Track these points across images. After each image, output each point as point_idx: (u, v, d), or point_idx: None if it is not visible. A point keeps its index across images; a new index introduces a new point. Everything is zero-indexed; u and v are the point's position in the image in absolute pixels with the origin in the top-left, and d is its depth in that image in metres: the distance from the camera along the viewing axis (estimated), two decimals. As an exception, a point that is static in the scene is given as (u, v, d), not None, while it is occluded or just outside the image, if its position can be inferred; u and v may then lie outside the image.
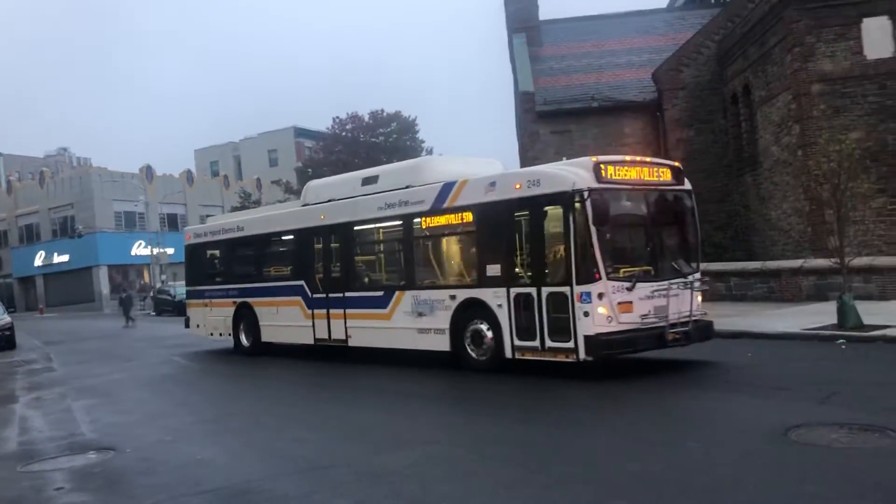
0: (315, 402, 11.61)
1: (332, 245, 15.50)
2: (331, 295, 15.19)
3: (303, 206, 16.82)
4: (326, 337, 15.29)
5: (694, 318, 11.43)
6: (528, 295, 11.34)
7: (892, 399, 8.52)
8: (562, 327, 10.83)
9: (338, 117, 54.98)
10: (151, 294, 49.23)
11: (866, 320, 13.53)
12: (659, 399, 9.74)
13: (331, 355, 15.43)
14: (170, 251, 53.62)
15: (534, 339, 11.25)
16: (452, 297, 12.67)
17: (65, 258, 61.92)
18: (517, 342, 11.53)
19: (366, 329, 14.40)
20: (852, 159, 13.92)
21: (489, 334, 12.04)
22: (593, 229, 10.48)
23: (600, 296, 10.49)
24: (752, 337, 14.16)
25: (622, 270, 10.94)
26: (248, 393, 13.12)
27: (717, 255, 23.11)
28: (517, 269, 11.74)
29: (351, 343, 14.75)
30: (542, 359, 11.23)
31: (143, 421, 10.64)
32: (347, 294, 14.83)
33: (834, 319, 13.82)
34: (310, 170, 54.23)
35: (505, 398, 10.57)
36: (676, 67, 27.85)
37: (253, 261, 17.96)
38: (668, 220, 11.96)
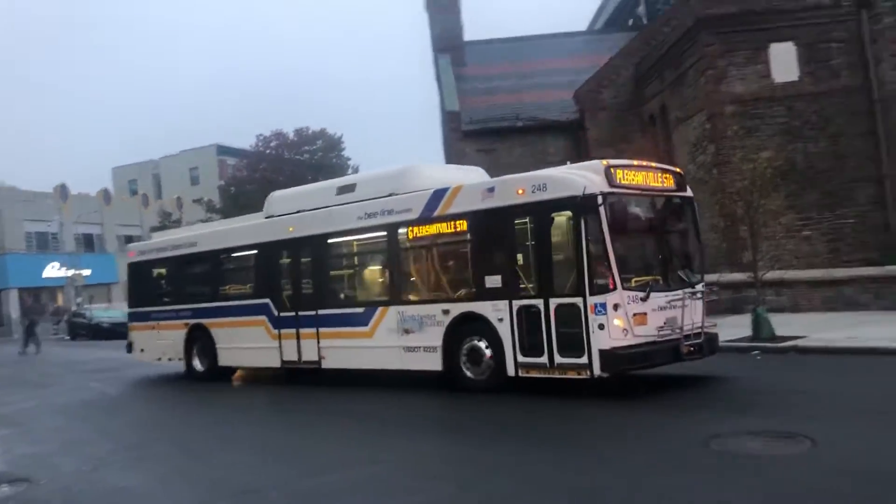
0: (252, 426, 11.22)
1: (303, 259, 14.38)
2: (301, 313, 14.06)
3: (266, 218, 15.52)
4: (296, 359, 14.11)
5: (705, 330, 10.97)
6: (534, 307, 10.58)
7: (804, 407, 8.90)
8: (573, 342, 10.10)
9: (262, 135, 54.33)
10: (66, 317, 47.37)
11: (779, 331, 14.14)
12: (575, 411, 9.91)
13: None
14: (86, 273, 51.73)
15: (540, 355, 10.48)
16: (445, 312, 11.72)
17: (-29, 282, 58.98)
18: (521, 359, 10.73)
19: (343, 349, 13.31)
20: (764, 177, 14.57)
21: (488, 351, 11.21)
22: (607, 236, 9.87)
23: (616, 307, 9.85)
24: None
25: (633, 280, 10.40)
26: (175, 418, 12.73)
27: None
28: (520, 281, 10.96)
29: (325, 365, 13.63)
30: (550, 376, 10.49)
31: (60, 450, 10.19)
32: (321, 312, 13.71)
33: (749, 331, 14.38)
34: (233, 188, 53.43)
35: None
36: (597, 89, 28.67)
37: (208, 279, 16.69)
38: (675, 227, 11.57)
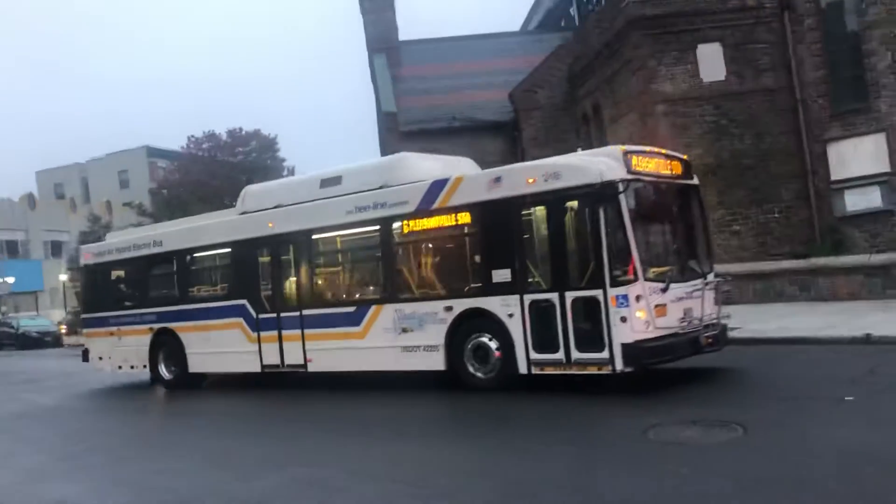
0: (196, 431, 10.94)
1: (284, 257, 13.65)
2: (283, 314, 13.34)
3: (240, 214, 14.67)
4: (278, 363, 13.37)
5: (720, 321, 10.80)
6: (548, 302, 10.12)
7: (737, 395, 9.23)
8: (593, 336, 9.69)
9: (193, 136, 53.12)
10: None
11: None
12: (513, 401, 10.03)
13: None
14: (10, 280, 49.86)
15: (555, 350, 10.03)
16: (448, 309, 11.15)
17: None
18: (535, 356, 10.26)
19: (332, 351, 12.58)
20: (696, 174, 14.95)
21: (496, 349, 10.72)
22: (629, 225, 9.50)
23: (638, 298, 9.47)
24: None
25: (651, 271, 9.96)
26: (115, 427, 12.36)
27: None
28: (532, 274, 10.50)
29: (312, 368, 12.91)
30: (566, 373, 10.06)
31: (-11, 464, 9.85)
32: (306, 312, 13.00)
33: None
34: (165, 191, 52.16)
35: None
36: (531, 89, 29.02)
37: (175, 280, 15.77)
38: (687, 216, 11.26)
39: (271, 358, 13.46)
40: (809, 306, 17.04)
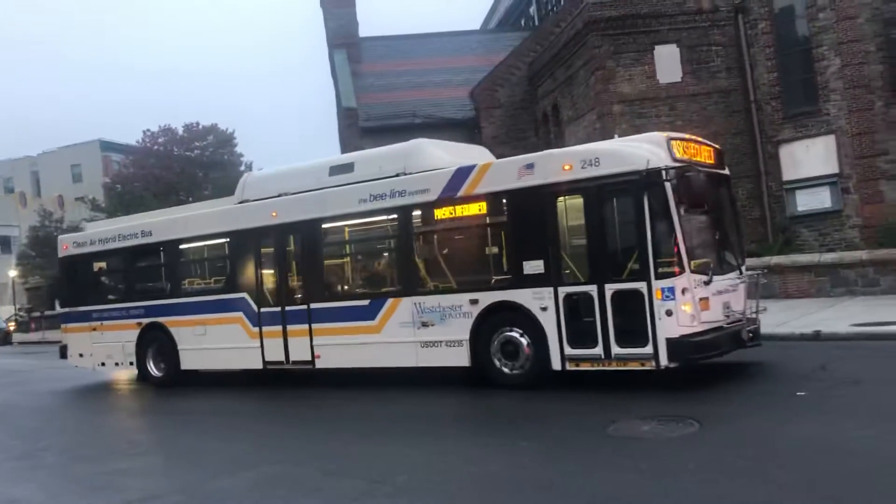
0: (167, 430, 10.74)
1: (289, 248, 12.98)
2: (289, 308, 12.69)
3: (239, 203, 13.94)
4: (282, 359, 12.73)
5: (758, 316, 10.53)
6: (585, 294, 9.70)
7: (692, 391, 9.40)
8: (635, 330, 9.32)
9: (149, 130, 52.32)
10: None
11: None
12: (475, 397, 10.16)
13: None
14: (-44, 276, 48.50)
15: (593, 345, 9.64)
16: (473, 302, 10.68)
17: None
18: (570, 351, 9.87)
19: (343, 346, 11.98)
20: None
21: (526, 344, 10.31)
22: (675, 215, 9.16)
23: (684, 291, 9.11)
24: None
25: (692, 263, 9.51)
26: (78, 426, 12.06)
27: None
28: (567, 266, 10.07)
29: (320, 365, 12.30)
30: (605, 369, 9.68)
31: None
32: (314, 306, 12.35)
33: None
34: (119, 186, 51.25)
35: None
36: (491, 87, 29.17)
37: (167, 272, 15.07)
38: (722, 206, 10.85)
39: (275, 354, 12.85)
40: (764, 303, 17.41)
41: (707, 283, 9.48)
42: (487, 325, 10.61)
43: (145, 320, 14.86)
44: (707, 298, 9.47)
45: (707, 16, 22.93)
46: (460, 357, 10.85)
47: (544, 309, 10.03)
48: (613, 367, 9.59)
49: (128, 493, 7.22)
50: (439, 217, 11.27)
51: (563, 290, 9.92)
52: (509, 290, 10.43)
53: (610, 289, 9.52)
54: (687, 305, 9.14)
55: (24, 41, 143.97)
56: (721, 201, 10.75)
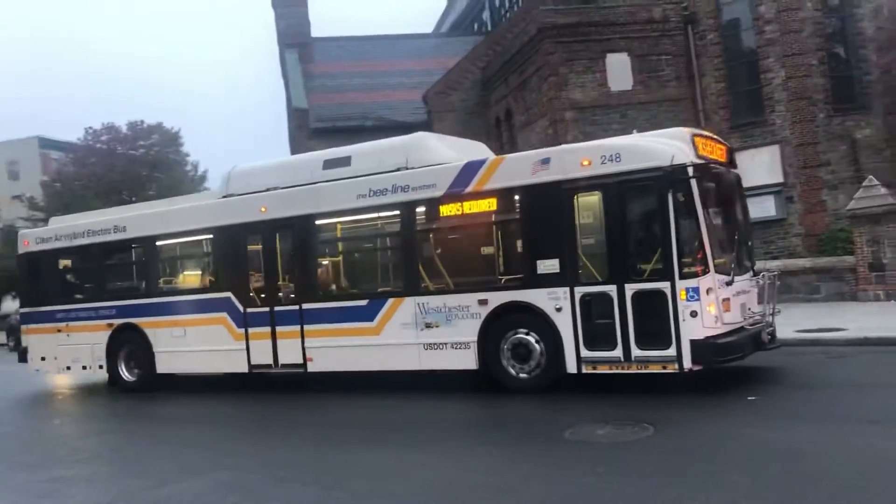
0: (122, 437, 10.32)
1: (281, 245, 12.32)
2: (278, 308, 12.08)
3: (224, 197, 13.14)
4: (270, 362, 12.09)
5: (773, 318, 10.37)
6: (604, 295, 9.37)
7: (645, 396, 9.48)
8: (657, 332, 9.03)
9: (91, 128, 50.88)
10: None
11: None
12: (433, 403, 10.06)
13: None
14: None
15: (612, 347, 9.34)
16: (482, 303, 10.26)
17: None
18: (586, 353, 9.54)
19: (338, 349, 11.45)
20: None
21: (539, 346, 9.95)
22: (700, 213, 8.92)
23: (708, 291, 8.87)
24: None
25: (715, 263, 9.26)
26: (9, 432, 11.55)
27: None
28: (584, 265, 9.74)
29: (312, 368, 11.72)
30: (624, 372, 9.36)
31: None
32: (306, 306, 11.76)
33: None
34: (58, 184, 49.78)
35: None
36: (445, 91, 29.18)
37: (142, 270, 14.27)
38: (739, 206, 10.58)
39: (262, 357, 12.21)
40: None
41: (729, 283, 9.31)
42: (497, 326, 10.23)
43: (117, 321, 14.01)
44: (728, 299, 9.30)
45: (658, 25, 23.32)
46: (467, 360, 10.43)
47: (559, 310, 9.70)
48: (633, 371, 9.30)
49: (70, 501, 6.95)
50: (446, 213, 10.78)
51: (580, 290, 9.59)
52: (521, 289, 10.08)
53: (630, 289, 9.22)
54: (711, 306, 8.92)
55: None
56: (737, 200, 10.52)
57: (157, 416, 11.97)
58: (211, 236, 13.23)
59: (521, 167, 10.17)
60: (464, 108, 28.92)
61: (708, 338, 8.87)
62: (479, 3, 41.41)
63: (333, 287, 12.20)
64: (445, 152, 11.41)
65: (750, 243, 10.94)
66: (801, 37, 21.78)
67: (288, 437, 9.12)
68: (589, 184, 9.62)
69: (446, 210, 10.74)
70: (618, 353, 9.33)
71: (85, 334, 14.37)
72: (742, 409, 8.40)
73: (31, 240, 15.86)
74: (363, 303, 11.38)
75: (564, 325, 9.66)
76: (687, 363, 8.89)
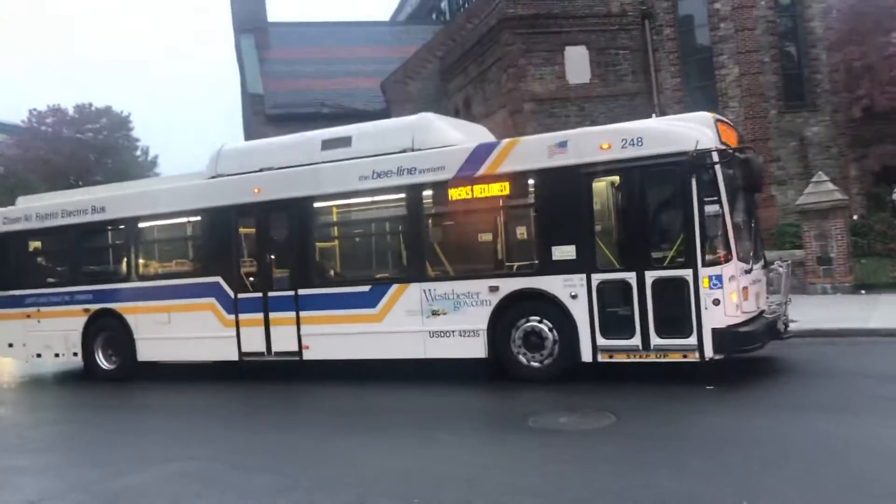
0: (84, 427, 9.98)
1: (274, 228, 11.87)
2: (272, 294, 11.62)
3: (212, 178, 12.58)
4: (262, 350, 11.63)
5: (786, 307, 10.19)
6: (623, 282, 9.19)
7: (606, 385, 9.59)
8: (678, 320, 8.89)
9: (36, 110, 49.42)
10: None
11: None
12: (393, 393, 10.03)
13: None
14: None
15: (630, 335, 9.15)
16: (493, 289, 9.97)
17: None
18: (603, 342, 9.36)
19: (336, 336, 11.04)
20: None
21: (552, 334, 9.73)
22: (724, 199, 8.79)
23: (731, 279, 8.75)
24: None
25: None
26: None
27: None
28: (602, 251, 9.51)
29: (308, 356, 11.32)
30: (642, 361, 9.20)
31: None
32: (302, 291, 11.35)
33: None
34: (1, 168, 48.30)
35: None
36: (403, 80, 29.03)
37: (122, 253, 13.51)
38: (754, 194, 10.46)
39: (253, 345, 11.73)
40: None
41: (748, 271, 9.25)
42: (508, 313, 9.97)
43: (94, 306, 13.34)
44: (747, 288, 9.21)
45: (616, 19, 23.54)
46: (476, 348, 10.16)
47: (574, 297, 9.48)
48: (651, 359, 9.14)
49: (24, 492, 6.71)
50: (455, 197, 10.40)
51: (598, 277, 9.39)
52: (535, 276, 9.84)
53: (651, 276, 9.03)
54: (733, 294, 8.82)
55: None
56: (754, 188, 10.36)
57: (123, 405, 11.64)
58: (199, 218, 12.64)
59: (537, 150, 9.90)
60: (422, 98, 28.79)
61: (729, 326, 8.79)
62: (438, -8, 41.30)
63: (332, 272, 11.85)
64: (452, 134, 11.12)
65: (759, 229, 10.77)
66: (754, 34, 22.24)
67: (255, 426, 9.01)
68: (608, 168, 9.43)
69: (456, 193, 10.40)
70: (636, 341, 9.16)
71: (58, 320, 13.71)
72: (701, 398, 8.57)
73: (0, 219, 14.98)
74: (365, 288, 10.99)
75: (580, 312, 9.47)
76: (708, 352, 8.77)
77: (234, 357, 11.94)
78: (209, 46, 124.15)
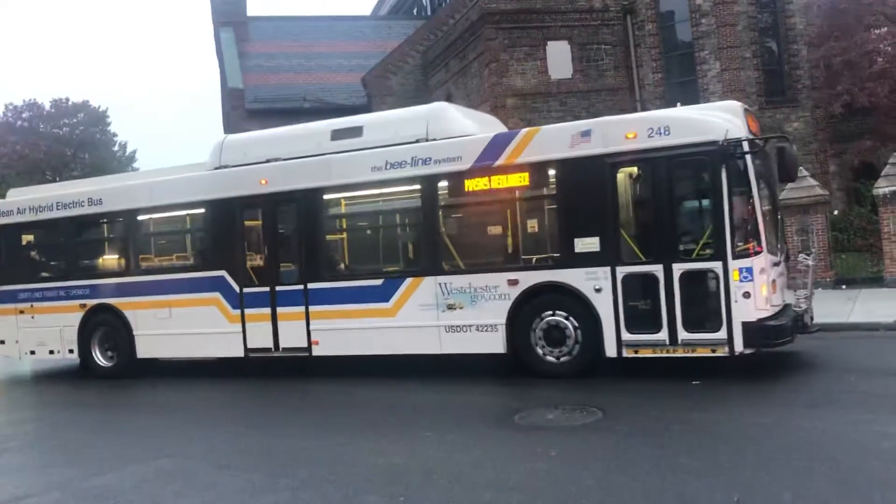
0: (66, 425, 9.81)
1: (282, 221, 11.64)
2: (280, 288, 11.32)
3: (216, 169, 12.23)
4: (270, 346, 11.33)
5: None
6: (649, 275, 8.94)
7: (591, 382, 9.49)
8: (708, 314, 8.70)
9: (12, 104, 48.90)
10: None
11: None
12: (385, 391, 9.92)
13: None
14: None
15: (656, 330, 8.92)
16: (513, 283, 9.72)
17: None
18: (628, 336, 9.11)
19: (348, 331, 10.76)
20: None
21: (574, 329, 9.50)
22: (755, 190, 8.58)
23: (762, 271, 8.53)
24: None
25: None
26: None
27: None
28: (627, 243, 9.27)
29: (318, 352, 11.02)
30: (669, 356, 8.95)
31: None
32: (312, 286, 11.07)
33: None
34: (-24, 162, 47.64)
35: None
36: (384, 74, 28.83)
37: (121, 247, 13.17)
38: (778, 185, 10.28)
39: (260, 340, 11.42)
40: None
41: (777, 264, 9.08)
42: (528, 307, 9.71)
43: (91, 301, 12.98)
44: (775, 281, 9.04)
45: (597, 14, 23.52)
46: (494, 343, 9.91)
47: (598, 290, 9.24)
48: (679, 354, 8.94)
49: (0, 491, 6.58)
50: (472, 188, 10.16)
51: (623, 270, 9.14)
52: (556, 269, 9.60)
53: (678, 269, 8.81)
54: (763, 287, 8.59)
55: None
56: (779, 179, 10.16)
57: (109, 403, 11.42)
58: (202, 210, 12.33)
59: (559, 139, 9.63)
60: (403, 93, 28.63)
61: (760, 320, 8.59)
62: (419, -13, 41.09)
63: (343, 265, 11.59)
64: (466, 123, 10.89)
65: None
66: (735, 30, 22.29)
67: (238, 426, 8.84)
68: (634, 158, 9.21)
69: (473, 184, 10.15)
70: (663, 335, 8.95)
71: (53, 315, 13.33)
72: (687, 394, 8.52)
73: None
74: (378, 282, 10.72)
75: (604, 306, 9.23)
76: (739, 346, 8.59)
77: (240, 353, 11.64)
78: (188, 39, 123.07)
